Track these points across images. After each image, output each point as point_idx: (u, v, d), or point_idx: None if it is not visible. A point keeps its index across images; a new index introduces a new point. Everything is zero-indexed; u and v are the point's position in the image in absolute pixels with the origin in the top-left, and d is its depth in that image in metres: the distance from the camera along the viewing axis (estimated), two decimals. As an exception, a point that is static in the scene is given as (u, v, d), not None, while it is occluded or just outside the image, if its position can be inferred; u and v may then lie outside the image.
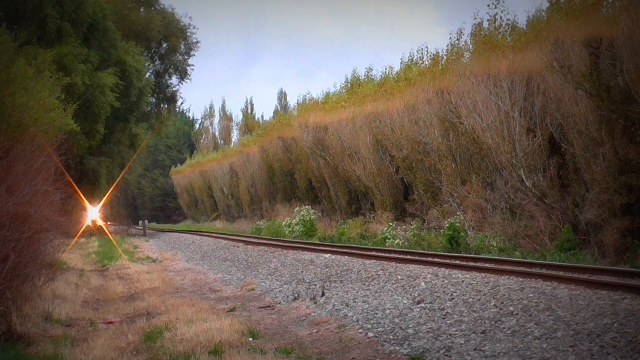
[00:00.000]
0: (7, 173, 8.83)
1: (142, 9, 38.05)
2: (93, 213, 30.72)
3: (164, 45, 39.97)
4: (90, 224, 31.20)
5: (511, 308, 8.22)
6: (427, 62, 23.11)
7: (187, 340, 7.82)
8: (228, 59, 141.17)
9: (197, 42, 41.38)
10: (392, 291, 10.61)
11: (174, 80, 41.95)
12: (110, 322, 9.81)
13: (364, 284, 11.65)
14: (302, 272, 14.26)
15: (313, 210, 27.44)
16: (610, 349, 6.23)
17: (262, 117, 64.84)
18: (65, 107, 15.64)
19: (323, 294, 11.09)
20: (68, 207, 15.55)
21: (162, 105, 42.47)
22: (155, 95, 39.75)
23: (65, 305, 10.86)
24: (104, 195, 31.32)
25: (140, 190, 68.72)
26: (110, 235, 31.44)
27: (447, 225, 17.82)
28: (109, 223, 39.24)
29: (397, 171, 23.76)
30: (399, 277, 11.71)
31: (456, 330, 7.56)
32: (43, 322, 9.36)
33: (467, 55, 20.63)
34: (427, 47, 28.10)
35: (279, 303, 11.07)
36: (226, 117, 68.11)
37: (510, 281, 10.15)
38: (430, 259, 14.50)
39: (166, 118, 43.42)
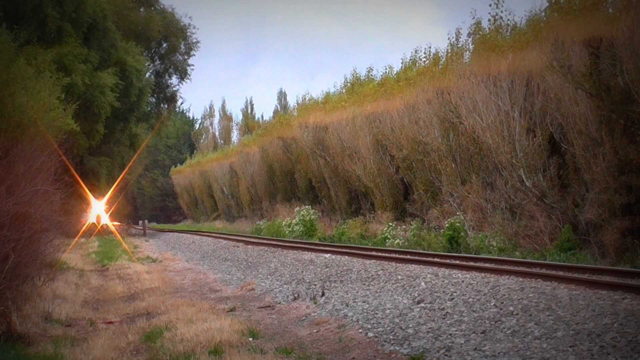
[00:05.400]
0: (7, 173, 8.83)
1: (142, 9, 38.09)
2: (97, 209, 30.60)
3: (164, 45, 40.00)
4: (94, 221, 31.05)
5: (511, 308, 8.22)
6: (427, 62, 23.11)
7: (187, 340, 7.82)
8: (228, 59, 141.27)
9: (197, 42, 41.47)
10: (392, 291, 10.61)
11: (174, 80, 42.03)
12: (110, 322, 9.81)
13: (364, 284, 11.65)
14: (302, 272, 14.26)
15: (313, 210, 27.43)
16: (610, 349, 6.23)
17: (262, 117, 64.99)
18: (65, 107, 15.66)
19: (323, 294, 11.09)
20: (68, 207, 15.54)
21: (162, 105, 42.48)
22: (155, 95, 39.76)
23: (65, 305, 10.86)
24: (104, 195, 31.33)
25: (140, 190, 68.71)
26: (117, 235, 31.43)
27: (447, 225, 17.82)
28: (114, 223, 39.19)
29: (397, 171, 23.75)
30: (399, 277, 11.71)
31: (456, 330, 7.56)
32: (43, 322, 9.36)
33: (467, 55, 20.63)
34: (427, 47, 28.11)
35: (279, 303, 11.06)
36: (226, 117, 68.14)
37: (510, 281, 10.14)
38: (430, 259, 14.50)
39: (166, 118, 43.43)
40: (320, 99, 32.22)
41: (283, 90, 71.84)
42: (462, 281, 10.50)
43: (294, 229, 26.59)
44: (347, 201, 27.65)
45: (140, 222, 47.45)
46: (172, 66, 40.95)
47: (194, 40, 41.22)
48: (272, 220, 32.55)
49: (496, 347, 6.67)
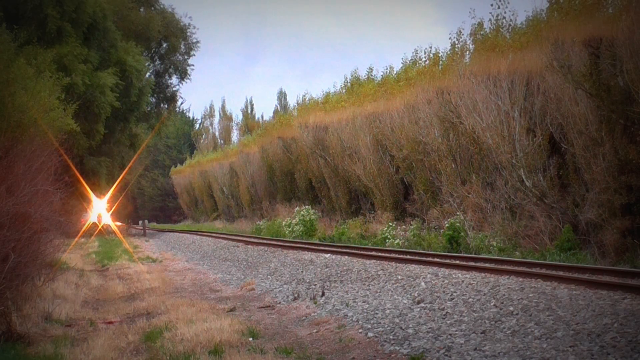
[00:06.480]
0: (7, 173, 8.83)
1: (142, 9, 38.12)
2: (99, 208, 30.53)
3: (164, 45, 40.02)
4: (95, 220, 30.96)
5: (511, 308, 8.22)
6: (427, 62, 23.11)
7: (187, 340, 7.82)
8: (228, 59, 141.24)
9: (197, 42, 41.53)
10: (392, 291, 10.61)
11: (174, 80, 42.08)
12: (110, 322, 9.82)
13: (364, 284, 11.64)
14: (302, 272, 14.26)
15: (313, 210, 27.43)
16: (610, 349, 6.23)
17: (262, 117, 65.05)
18: (65, 107, 15.63)
19: (323, 294, 11.09)
20: (68, 207, 15.54)
21: (162, 105, 42.51)
22: (155, 95, 39.79)
23: (65, 305, 10.86)
24: (105, 195, 31.32)
25: (140, 190, 68.71)
26: (119, 235, 31.42)
27: (447, 225, 17.82)
28: (116, 223, 39.15)
29: (397, 171, 23.76)
30: (399, 277, 11.70)
31: (456, 330, 7.56)
32: (43, 322, 9.36)
33: (468, 55, 20.63)
34: (428, 47, 28.15)
35: (279, 303, 11.06)
36: (226, 117, 68.18)
37: (510, 281, 10.14)
38: (430, 259, 14.49)
39: (166, 118, 43.46)
40: (320, 99, 32.24)
41: (283, 90, 72.05)
42: (462, 281, 10.50)
43: (294, 229, 26.59)
44: (347, 201, 27.65)
45: (140, 222, 47.47)
46: (172, 66, 40.97)
47: (194, 40, 41.31)
48: (272, 220, 32.55)
49: (496, 347, 6.67)
